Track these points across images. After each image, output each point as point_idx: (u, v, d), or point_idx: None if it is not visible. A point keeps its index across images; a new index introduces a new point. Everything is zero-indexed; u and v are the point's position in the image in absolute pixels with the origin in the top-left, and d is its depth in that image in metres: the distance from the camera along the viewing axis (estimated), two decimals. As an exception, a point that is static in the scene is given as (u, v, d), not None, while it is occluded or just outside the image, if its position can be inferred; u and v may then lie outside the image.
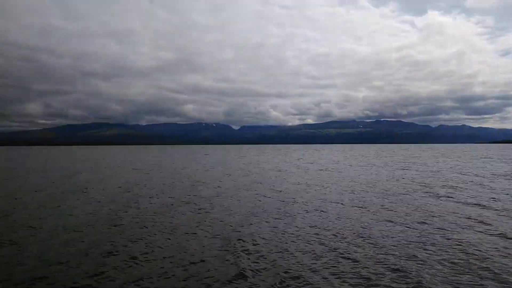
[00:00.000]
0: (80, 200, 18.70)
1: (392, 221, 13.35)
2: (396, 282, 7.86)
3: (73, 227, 12.81)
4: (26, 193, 21.39)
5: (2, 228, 12.67)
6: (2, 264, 9.09)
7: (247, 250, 10.13)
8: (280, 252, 9.98)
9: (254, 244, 10.66)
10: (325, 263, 9.07)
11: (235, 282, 8.00)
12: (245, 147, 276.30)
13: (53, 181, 28.03)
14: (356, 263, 9.00)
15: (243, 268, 8.71)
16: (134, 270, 8.67)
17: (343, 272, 8.48)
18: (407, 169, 37.61)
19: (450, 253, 9.69)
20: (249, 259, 9.41)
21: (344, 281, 7.96)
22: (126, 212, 15.51)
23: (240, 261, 9.24)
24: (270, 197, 19.37)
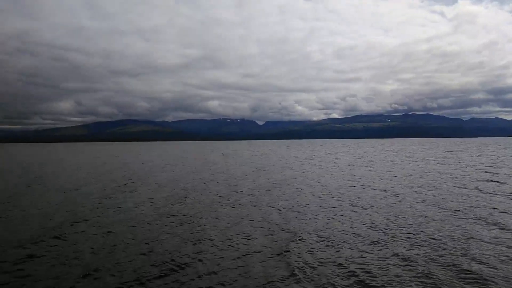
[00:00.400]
0: (125, 194, 19.48)
1: (436, 217, 13.13)
2: (452, 280, 7.80)
3: (122, 220, 13.37)
4: (75, 188, 22.39)
5: (56, 222, 13.33)
6: (57, 258, 9.58)
7: (294, 245, 10.25)
8: (327, 248, 10.05)
9: (299, 240, 10.77)
10: (373, 259, 9.07)
11: (284, 278, 8.10)
12: (271, 142, 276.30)
13: (96, 176, 29.18)
14: (408, 261, 8.94)
15: (291, 264, 8.83)
16: (185, 266, 8.94)
17: (393, 268, 8.46)
18: (442, 164, 36.71)
19: (502, 249, 9.47)
20: (296, 255, 9.51)
21: (396, 278, 7.95)
22: (171, 206, 15.99)
23: (288, 257, 9.36)
24: (308, 192, 19.45)
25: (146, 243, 10.59)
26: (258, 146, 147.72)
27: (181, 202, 17.03)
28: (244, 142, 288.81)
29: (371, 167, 35.29)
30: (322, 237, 11.01)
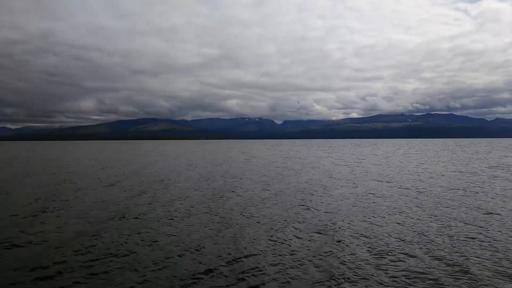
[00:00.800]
0: (158, 192, 19.88)
1: (473, 218, 12.81)
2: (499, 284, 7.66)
3: (159, 218, 13.61)
4: (106, 185, 22.98)
5: (95, 219, 13.71)
6: (97, 254, 9.83)
7: (331, 246, 10.25)
8: (365, 249, 9.99)
9: (337, 241, 10.74)
10: (415, 261, 8.96)
11: (323, 280, 8.08)
12: (290, 141, 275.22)
13: (125, 174, 29.87)
14: (451, 264, 8.79)
15: (330, 266, 8.83)
16: (225, 264, 9.05)
17: (434, 270, 8.34)
18: (468, 165, 35.81)
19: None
20: (334, 256, 9.49)
21: (438, 281, 7.82)
22: (204, 205, 16.18)
23: (326, 258, 9.36)
24: (337, 192, 19.32)
25: (184, 241, 10.77)
26: (278, 145, 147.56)
27: (212, 201, 17.25)
28: (263, 141, 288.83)
29: (398, 167, 34.80)
30: (358, 238, 10.97)
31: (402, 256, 9.40)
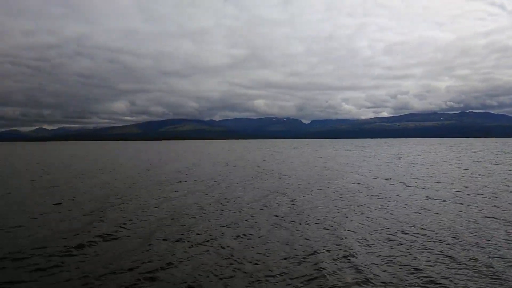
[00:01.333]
0: (206, 191, 20.18)
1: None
2: None
3: (214, 217, 13.65)
4: (156, 183, 23.43)
5: (148, 220, 13.92)
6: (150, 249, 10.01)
7: (407, 259, 9.87)
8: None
9: (409, 252, 10.36)
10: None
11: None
12: (319, 141, 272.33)
13: (170, 173, 30.42)
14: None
15: (407, 280, 8.55)
16: (293, 267, 8.88)
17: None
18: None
19: None
20: (411, 271, 9.18)
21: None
22: (257, 205, 16.11)
23: (398, 268, 9.03)
24: (394, 194, 18.80)
25: (238, 241, 10.67)
26: (307, 145, 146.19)
27: (259, 201, 17.17)
28: (291, 141, 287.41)
29: (442, 166, 33.49)
30: (424, 243, 10.46)
31: (484, 262, 8.81)
